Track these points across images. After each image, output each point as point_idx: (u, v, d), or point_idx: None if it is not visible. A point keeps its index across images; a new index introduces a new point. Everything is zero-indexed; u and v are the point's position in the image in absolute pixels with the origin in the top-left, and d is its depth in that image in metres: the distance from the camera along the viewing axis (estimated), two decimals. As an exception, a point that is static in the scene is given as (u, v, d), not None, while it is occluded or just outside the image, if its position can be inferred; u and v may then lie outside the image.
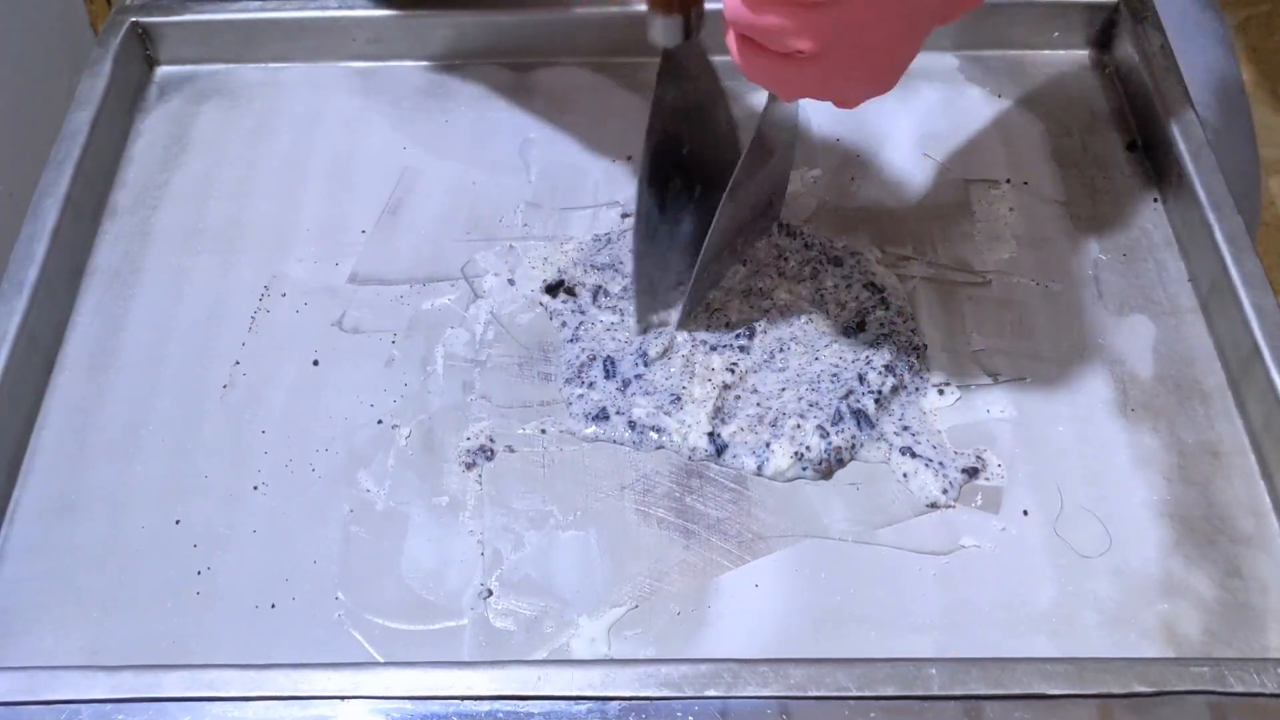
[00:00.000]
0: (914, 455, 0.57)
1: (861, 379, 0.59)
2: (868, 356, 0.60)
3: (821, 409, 0.58)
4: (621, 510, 0.56)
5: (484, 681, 0.48)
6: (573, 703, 0.48)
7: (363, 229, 0.67)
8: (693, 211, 0.62)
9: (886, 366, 0.59)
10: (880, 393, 0.59)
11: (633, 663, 0.49)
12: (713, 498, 0.57)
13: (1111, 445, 0.58)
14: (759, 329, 0.61)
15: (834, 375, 0.59)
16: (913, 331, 0.62)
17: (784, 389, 0.59)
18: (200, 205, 0.69)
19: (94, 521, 0.56)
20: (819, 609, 0.53)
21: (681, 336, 0.61)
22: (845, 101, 0.54)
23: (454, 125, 0.73)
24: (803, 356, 0.60)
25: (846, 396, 0.58)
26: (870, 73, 0.52)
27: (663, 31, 0.57)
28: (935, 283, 0.65)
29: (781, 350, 0.60)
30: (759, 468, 0.57)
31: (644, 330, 0.61)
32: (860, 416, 0.58)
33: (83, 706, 0.48)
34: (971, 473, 0.57)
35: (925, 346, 0.61)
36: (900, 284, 0.64)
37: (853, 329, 0.61)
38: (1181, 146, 0.66)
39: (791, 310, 0.62)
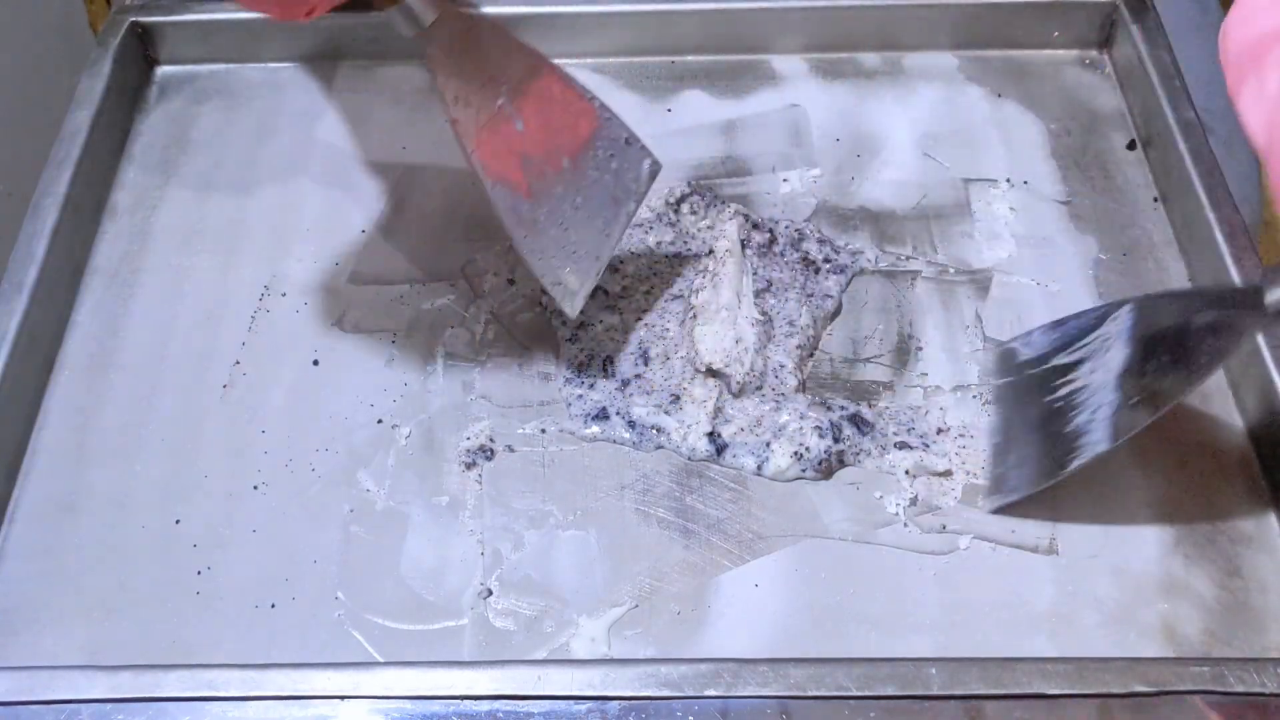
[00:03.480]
0: (910, 451, 0.57)
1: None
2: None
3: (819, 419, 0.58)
4: (621, 510, 0.56)
5: (484, 681, 0.48)
6: (573, 702, 0.48)
7: (363, 229, 0.67)
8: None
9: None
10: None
11: (633, 662, 0.49)
12: (713, 498, 0.57)
13: (1111, 445, 0.58)
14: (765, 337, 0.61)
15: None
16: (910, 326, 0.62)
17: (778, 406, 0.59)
18: (200, 205, 0.69)
19: (94, 521, 0.56)
20: (819, 609, 0.53)
21: (686, 340, 0.61)
22: None
23: (454, 125, 0.73)
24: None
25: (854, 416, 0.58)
26: None
27: (404, 19, 0.53)
28: (935, 283, 0.65)
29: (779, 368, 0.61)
30: (759, 468, 0.57)
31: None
32: (858, 421, 0.58)
33: (83, 706, 0.48)
34: (971, 472, 0.57)
35: (919, 343, 0.61)
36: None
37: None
38: (1181, 146, 0.66)
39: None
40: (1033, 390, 0.56)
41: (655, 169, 0.60)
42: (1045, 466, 0.54)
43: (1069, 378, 0.54)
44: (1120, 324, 0.54)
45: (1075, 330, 0.56)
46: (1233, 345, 0.49)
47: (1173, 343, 0.51)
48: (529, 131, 0.56)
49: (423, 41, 0.55)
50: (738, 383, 0.58)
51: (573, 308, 0.59)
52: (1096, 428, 0.53)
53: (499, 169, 0.56)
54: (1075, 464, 0.53)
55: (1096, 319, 0.55)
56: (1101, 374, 0.53)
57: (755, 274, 0.63)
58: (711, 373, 0.59)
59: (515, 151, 0.56)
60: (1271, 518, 0.56)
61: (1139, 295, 0.54)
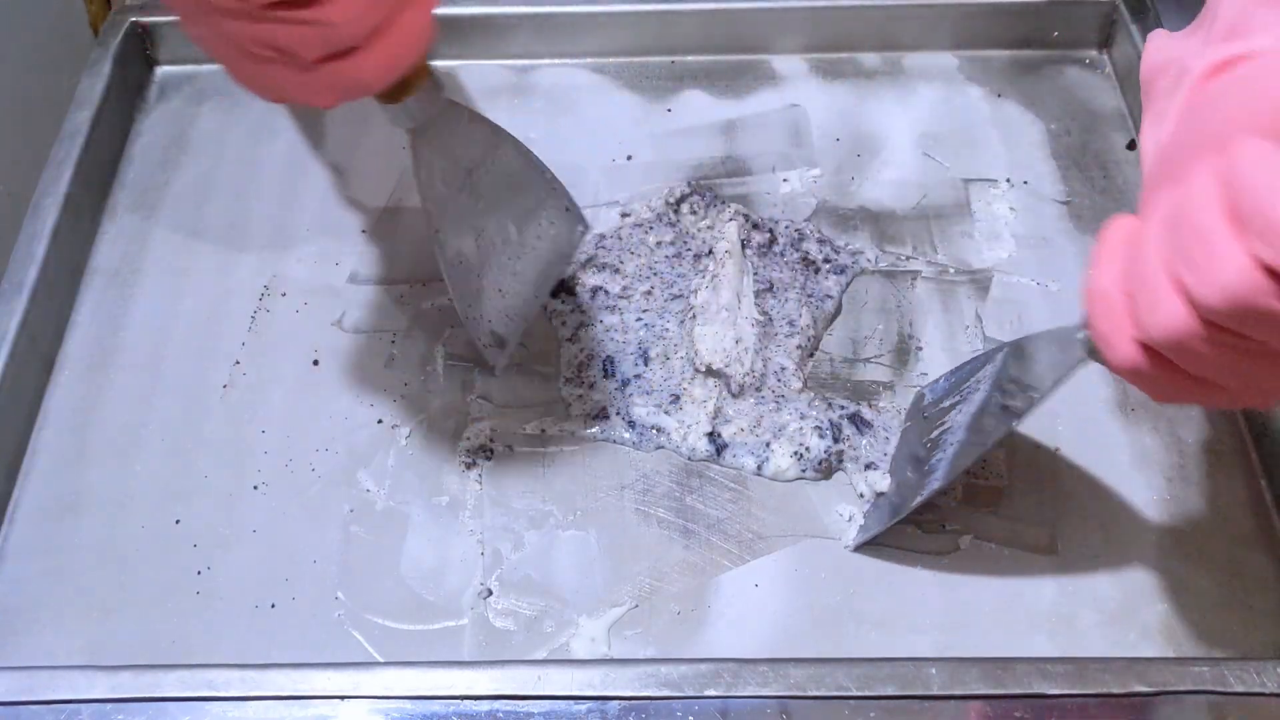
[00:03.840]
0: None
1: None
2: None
3: (820, 418, 0.58)
4: (621, 510, 0.56)
5: (484, 681, 0.48)
6: (573, 702, 0.48)
7: (363, 229, 0.67)
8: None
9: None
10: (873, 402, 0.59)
11: (633, 662, 0.49)
12: (713, 498, 0.57)
13: (1111, 445, 0.58)
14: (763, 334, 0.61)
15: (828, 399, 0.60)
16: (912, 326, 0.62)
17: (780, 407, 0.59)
18: (200, 205, 0.69)
19: (94, 521, 0.56)
20: (819, 609, 0.53)
21: (684, 342, 0.61)
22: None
23: (454, 125, 0.73)
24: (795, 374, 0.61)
25: (853, 416, 0.59)
26: None
27: (404, 116, 0.52)
28: (935, 282, 0.65)
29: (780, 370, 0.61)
30: (759, 468, 0.57)
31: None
32: (858, 421, 0.58)
33: (83, 706, 0.48)
34: (972, 472, 0.57)
35: (918, 343, 0.61)
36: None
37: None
38: (1181, 146, 0.66)
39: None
40: (921, 433, 0.56)
41: (585, 231, 0.62)
42: (896, 504, 0.54)
43: (943, 420, 0.55)
44: (993, 367, 0.53)
45: (964, 374, 0.56)
46: (1054, 381, 0.48)
47: (1015, 381, 0.51)
48: (486, 205, 0.57)
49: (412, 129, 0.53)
50: (738, 383, 0.58)
51: (499, 363, 0.60)
52: (941, 466, 0.53)
53: (457, 243, 0.56)
54: (916, 501, 0.53)
55: (981, 362, 0.55)
56: (963, 416, 0.53)
57: (755, 274, 0.63)
58: (711, 373, 0.59)
59: (474, 225, 0.57)
60: (1272, 517, 0.56)
61: (1017, 339, 0.54)
